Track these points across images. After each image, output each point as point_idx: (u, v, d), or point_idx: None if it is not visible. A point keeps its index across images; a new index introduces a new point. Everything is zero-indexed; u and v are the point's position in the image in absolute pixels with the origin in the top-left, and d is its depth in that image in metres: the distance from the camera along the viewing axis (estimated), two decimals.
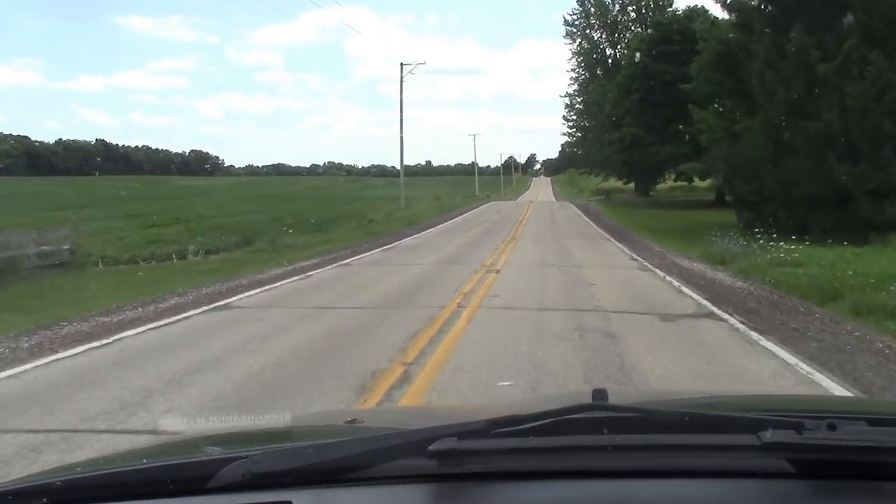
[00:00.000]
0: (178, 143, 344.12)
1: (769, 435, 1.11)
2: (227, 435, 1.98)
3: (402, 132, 38.97)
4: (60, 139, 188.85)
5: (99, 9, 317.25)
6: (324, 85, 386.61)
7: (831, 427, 1.11)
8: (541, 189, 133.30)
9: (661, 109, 42.63)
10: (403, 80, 38.89)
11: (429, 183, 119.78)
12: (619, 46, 58.91)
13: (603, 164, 57.00)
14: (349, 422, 1.66)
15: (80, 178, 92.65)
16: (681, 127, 36.25)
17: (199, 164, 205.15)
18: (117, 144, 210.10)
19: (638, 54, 43.69)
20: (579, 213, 39.86)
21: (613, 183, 64.31)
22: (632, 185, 64.57)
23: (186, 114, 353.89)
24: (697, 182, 57.56)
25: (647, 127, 43.89)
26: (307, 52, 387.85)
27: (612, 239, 22.11)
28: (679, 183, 60.55)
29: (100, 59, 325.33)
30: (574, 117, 64.46)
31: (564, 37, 60.80)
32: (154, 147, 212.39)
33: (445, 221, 32.23)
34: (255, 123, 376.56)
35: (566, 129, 67.02)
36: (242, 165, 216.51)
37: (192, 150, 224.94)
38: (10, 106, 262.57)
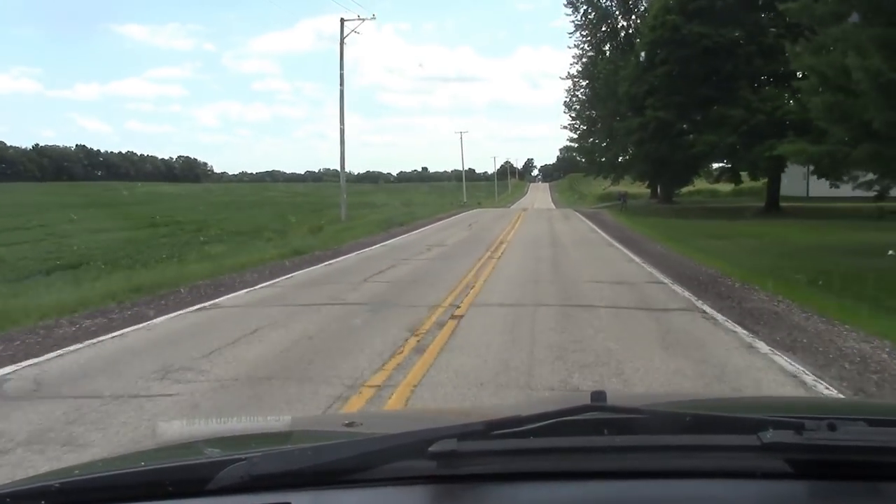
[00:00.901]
0: (175, 151, 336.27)
1: (769, 435, 1.10)
2: (225, 437, 1.79)
3: (342, 117, 27.70)
4: (37, 144, 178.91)
5: (95, 17, 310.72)
6: (321, 92, 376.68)
7: (831, 427, 1.10)
8: (538, 195, 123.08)
9: (698, 86, 31.41)
10: (344, 41, 27.75)
11: (421, 188, 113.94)
12: (633, 16, 47.17)
13: (614, 163, 45.76)
14: (347, 425, 1.60)
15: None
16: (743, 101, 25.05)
17: (186, 171, 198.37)
18: (98, 150, 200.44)
19: (665, 14, 32.24)
20: (593, 227, 26.36)
21: (626, 186, 53.22)
22: (646, 188, 53.55)
23: (182, 121, 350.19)
24: (719, 186, 47.63)
25: (677, 109, 32.60)
26: (303, 60, 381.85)
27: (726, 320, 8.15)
28: (697, 187, 49.44)
29: (96, 67, 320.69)
30: (577, 107, 52.60)
31: (566, 6, 48.35)
32: (140, 153, 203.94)
33: (375, 244, 19.82)
34: (251, 131, 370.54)
35: (568, 122, 55.00)
36: (236, 172, 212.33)
37: (180, 156, 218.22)
38: (8, 115, 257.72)
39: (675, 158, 33.54)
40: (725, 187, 48.84)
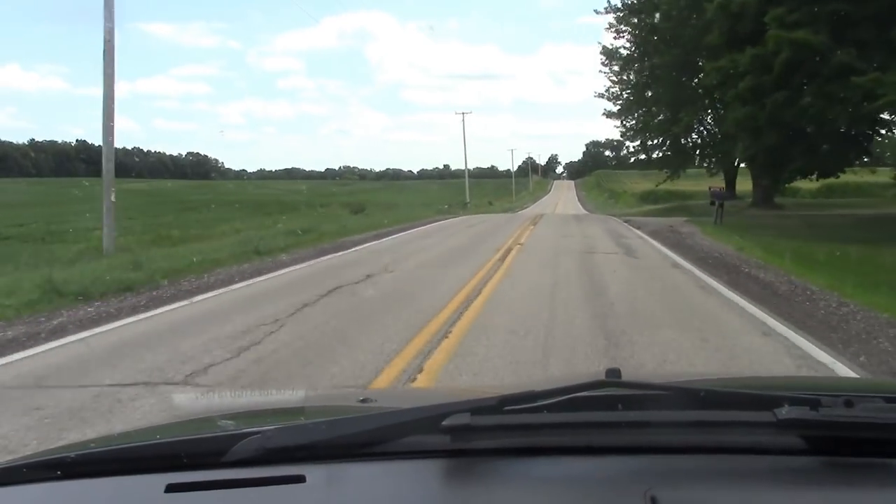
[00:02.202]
0: (199, 148, 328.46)
1: (785, 411, 1.07)
2: (240, 412, 1.88)
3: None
4: (33, 139, 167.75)
5: (124, 16, 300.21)
6: (344, 90, 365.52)
7: (848, 404, 1.08)
8: (562, 194, 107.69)
9: None
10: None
11: (431, 187, 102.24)
12: None
13: (682, 144, 29.88)
14: (362, 401, 1.58)
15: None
16: None
17: (197, 168, 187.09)
18: (100, 146, 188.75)
19: None
20: (729, 294, 8.63)
21: (686, 183, 37.12)
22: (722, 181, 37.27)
23: (206, 118, 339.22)
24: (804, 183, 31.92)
25: (831, 25, 16.85)
26: (327, 57, 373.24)
27: None
28: (804, 182, 33.02)
29: (124, 65, 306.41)
30: (621, 62, 34.56)
31: None
32: (146, 150, 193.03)
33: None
34: (274, 128, 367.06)
35: (607, 83, 36.53)
36: (254, 169, 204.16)
37: (190, 153, 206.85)
38: (36, 112, 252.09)
39: (828, 121, 17.58)
40: (811, 184, 33.13)
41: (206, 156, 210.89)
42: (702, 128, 32.24)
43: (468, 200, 48.65)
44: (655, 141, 33.90)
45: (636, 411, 1.15)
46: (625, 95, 34.16)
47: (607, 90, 35.77)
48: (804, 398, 1.10)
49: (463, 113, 53.37)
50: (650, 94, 32.38)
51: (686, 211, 30.08)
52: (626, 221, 25.10)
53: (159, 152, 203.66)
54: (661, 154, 34.92)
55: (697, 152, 33.28)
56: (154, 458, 1.18)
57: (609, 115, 35.37)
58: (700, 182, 38.64)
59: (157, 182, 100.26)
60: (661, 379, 1.67)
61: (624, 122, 35.44)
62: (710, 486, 1.07)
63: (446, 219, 28.59)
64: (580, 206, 65.78)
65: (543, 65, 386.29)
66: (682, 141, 32.02)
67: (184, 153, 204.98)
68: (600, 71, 35.83)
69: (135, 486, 1.13)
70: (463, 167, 60.95)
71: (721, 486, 1.07)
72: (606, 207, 52.51)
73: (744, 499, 1.02)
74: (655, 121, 31.86)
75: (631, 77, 33.64)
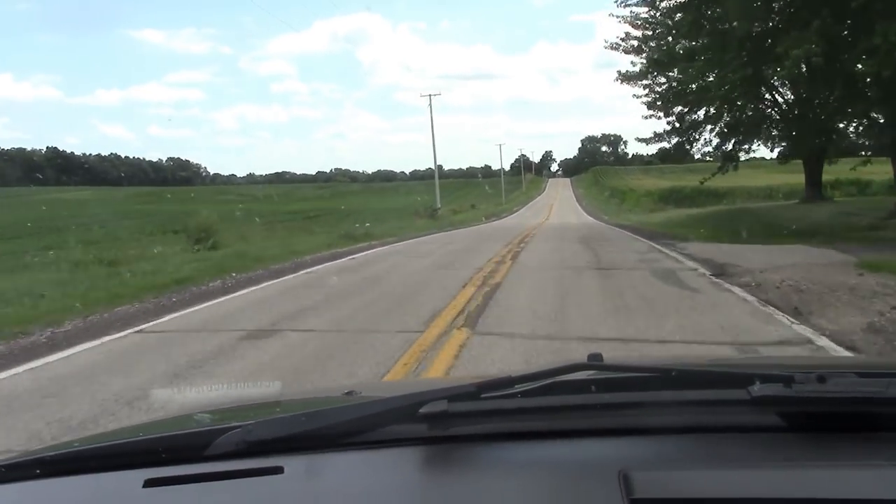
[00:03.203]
0: (192, 154, 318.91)
1: (758, 388, 1.07)
2: (221, 407, 1.80)
3: None
4: None
5: (112, 23, 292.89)
6: (338, 93, 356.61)
7: (821, 379, 1.08)
8: (557, 194, 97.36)
9: None
10: None
11: (422, 186, 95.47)
12: None
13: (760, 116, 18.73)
14: (347, 394, 1.50)
15: None
16: None
17: (179, 174, 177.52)
18: (72, 153, 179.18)
19: None
20: None
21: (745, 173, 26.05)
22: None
23: (200, 125, 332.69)
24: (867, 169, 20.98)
25: None
26: (320, 61, 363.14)
27: None
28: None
29: (115, 73, 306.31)
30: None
31: None
32: (123, 156, 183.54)
33: None
34: (269, 133, 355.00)
35: (626, 29, 22.97)
36: (244, 174, 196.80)
37: (170, 158, 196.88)
38: (29, 121, 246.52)
39: None
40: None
41: (189, 161, 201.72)
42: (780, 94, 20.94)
43: (438, 206, 37.82)
44: (705, 111, 21.73)
45: (611, 393, 1.16)
46: (654, 44, 21.43)
47: (624, 39, 22.33)
48: (777, 375, 1.10)
49: (430, 95, 42.28)
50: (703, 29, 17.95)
51: (758, 218, 19.26)
52: (678, 249, 14.16)
53: (139, 158, 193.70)
54: (715, 130, 22.41)
55: (775, 128, 21.88)
56: (133, 454, 1.17)
57: (625, 77, 22.89)
58: (734, 178, 27.57)
59: (104, 190, 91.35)
60: (641, 361, 1.69)
61: (652, 82, 22.64)
62: (685, 465, 1.05)
63: (383, 245, 18.36)
64: (579, 208, 55.06)
65: (537, 64, 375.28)
66: (753, 107, 20.71)
67: (164, 158, 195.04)
68: (611, 14, 21.72)
69: (113, 482, 1.12)
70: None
71: (697, 465, 1.06)
72: (613, 211, 41.80)
73: (720, 477, 1.00)
74: (711, 75, 18.48)
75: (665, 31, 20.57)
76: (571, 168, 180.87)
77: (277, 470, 1.05)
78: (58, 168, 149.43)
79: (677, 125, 22.98)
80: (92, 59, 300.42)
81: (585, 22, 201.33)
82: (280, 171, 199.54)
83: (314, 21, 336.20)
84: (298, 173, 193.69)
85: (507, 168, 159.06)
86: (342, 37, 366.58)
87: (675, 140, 23.56)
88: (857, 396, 1.09)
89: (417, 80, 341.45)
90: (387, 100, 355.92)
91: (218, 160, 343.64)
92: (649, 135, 24.73)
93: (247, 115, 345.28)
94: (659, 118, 23.28)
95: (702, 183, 24.59)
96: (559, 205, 62.17)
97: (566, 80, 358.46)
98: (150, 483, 1.05)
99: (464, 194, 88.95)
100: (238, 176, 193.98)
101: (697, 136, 23.19)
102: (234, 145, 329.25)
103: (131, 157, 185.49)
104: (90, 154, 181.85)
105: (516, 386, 1.12)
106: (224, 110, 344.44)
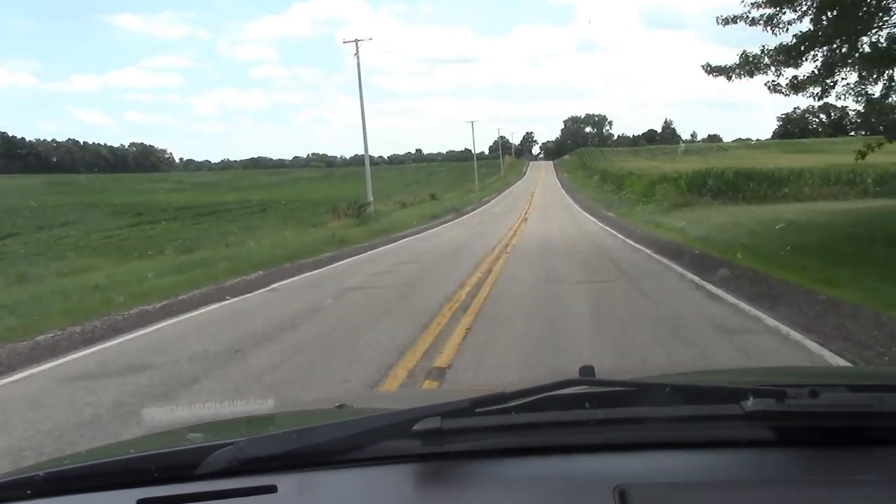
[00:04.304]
0: (171, 141, 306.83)
1: (751, 403, 1.06)
2: (212, 423, 1.86)
3: None
4: None
5: (87, 8, 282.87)
6: (318, 78, 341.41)
7: (813, 394, 1.06)
8: (539, 178, 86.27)
9: None
10: None
11: (394, 172, 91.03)
12: None
13: None
14: (339, 407, 1.53)
15: None
16: None
17: (141, 160, 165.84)
18: (22, 138, 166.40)
19: None
20: None
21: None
22: None
23: (179, 111, 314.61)
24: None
25: None
26: (299, 45, 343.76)
27: None
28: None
29: (91, 58, 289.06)
30: None
31: None
32: (81, 141, 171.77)
33: None
34: (249, 118, 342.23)
35: None
36: (218, 160, 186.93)
37: (133, 144, 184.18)
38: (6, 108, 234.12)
39: None
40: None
41: (153, 146, 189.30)
42: None
43: (369, 201, 26.49)
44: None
45: (604, 409, 1.14)
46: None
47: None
48: (769, 390, 1.09)
49: (355, 40, 30.67)
50: None
51: None
52: None
53: (97, 144, 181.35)
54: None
55: None
56: (124, 473, 1.15)
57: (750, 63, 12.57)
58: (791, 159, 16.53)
59: (24, 178, 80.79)
60: (633, 376, 1.61)
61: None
62: (681, 481, 1.04)
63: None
64: (568, 199, 44.09)
65: (518, 47, 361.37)
66: None
67: (127, 144, 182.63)
68: None
69: (105, 502, 1.11)
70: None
71: (691, 480, 1.05)
72: (612, 203, 30.72)
73: (713, 492, 1.00)
74: None
75: None
76: (553, 151, 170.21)
77: (271, 489, 1.04)
78: (7, 155, 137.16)
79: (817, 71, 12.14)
80: (67, 44, 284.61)
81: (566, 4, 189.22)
82: (256, 156, 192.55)
83: (293, 4, 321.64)
84: (275, 158, 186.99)
85: (486, 151, 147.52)
86: (322, 20, 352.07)
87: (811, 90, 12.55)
88: (849, 411, 1.08)
89: (399, 64, 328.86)
90: (367, 84, 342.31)
91: (196, 146, 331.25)
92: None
93: (226, 100, 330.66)
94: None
95: (859, 157, 13.37)
96: (541, 193, 51.21)
97: (547, 62, 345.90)
98: (143, 503, 1.04)
99: (434, 181, 78.54)
100: (212, 162, 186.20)
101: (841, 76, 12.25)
102: (213, 131, 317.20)
103: (90, 142, 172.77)
104: (40, 139, 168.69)
105: (510, 402, 1.11)
106: (203, 95, 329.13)
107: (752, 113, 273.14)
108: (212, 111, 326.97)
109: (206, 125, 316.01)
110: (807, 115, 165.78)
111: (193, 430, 1.44)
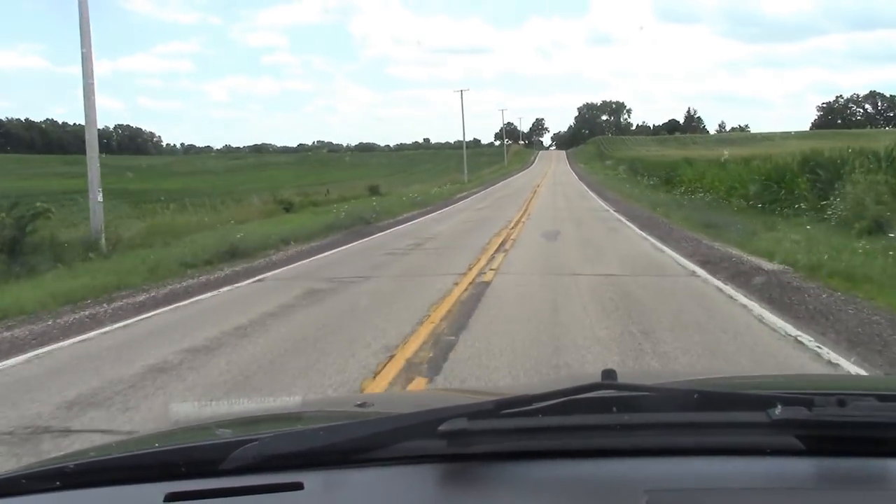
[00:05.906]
0: (183, 125, 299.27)
1: (778, 411, 1.05)
2: (238, 419, 1.79)
3: None
4: None
5: None
6: (329, 66, 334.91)
7: (841, 403, 1.04)
8: (550, 167, 70.11)
9: None
10: None
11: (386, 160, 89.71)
12: None
13: None
14: (359, 405, 1.54)
15: None
16: None
17: (127, 144, 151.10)
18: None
19: None
20: None
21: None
22: None
23: (190, 97, 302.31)
24: None
25: None
26: (311, 33, 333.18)
27: None
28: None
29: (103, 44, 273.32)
30: None
31: None
32: (61, 122, 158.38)
33: None
34: (260, 105, 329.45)
35: None
36: (220, 146, 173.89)
37: (119, 125, 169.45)
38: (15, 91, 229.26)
39: None
40: None
41: (140, 129, 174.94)
42: None
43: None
44: None
45: (631, 413, 1.12)
46: None
47: None
48: (797, 398, 1.07)
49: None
50: None
51: None
52: None
53: (79, 125, 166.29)
54: None
55: None
56: (152, 466, 1.15)
57: None
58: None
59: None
60: (657, 379, 1.58)
61: None
62: (706, 488, 1.04)
63: None
64: (603, 205, 27.74)
65: (530, 38, 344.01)
66: None
67: (112, 126, 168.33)
68: None
69: (134, 495, 1.11)
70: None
71: (718, 486, 1.04)
72: (713, 221, 14.14)
73: (740, 499, 1.00)
74: None
75: None
76: (566, 140, 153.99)
77: (297, 486, 1.04)
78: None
79: None
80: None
81: None
82: (260, 143, 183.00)
83: None
84: (279, 146, 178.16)
85: (495, 142, 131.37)
86: (333, 8, 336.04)
87: None
88: (877, 421, 1.06)
89: (410, 53, 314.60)
90: (378, 73, 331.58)
91: (201, 131, 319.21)
92: None
93: (237, 87, 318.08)
94: None
95: None
96: (551, 193, 34.51)
97: (559, 54, 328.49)
98: (170, 497, 1.03)
99: (420, 171, 65.66)
100: (214, 148, 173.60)
101: None
102: (221, 117, 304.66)
103: (70, 123, 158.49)
104: (16, 119, 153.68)
105: (535, 404, 1.10)
106: (213, 82, 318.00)
107: (763, 109, 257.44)
108: (221, 97, 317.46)
109: (216, 111, 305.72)
110: (850, 105, 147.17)
111: (221, 426, 1.41)
